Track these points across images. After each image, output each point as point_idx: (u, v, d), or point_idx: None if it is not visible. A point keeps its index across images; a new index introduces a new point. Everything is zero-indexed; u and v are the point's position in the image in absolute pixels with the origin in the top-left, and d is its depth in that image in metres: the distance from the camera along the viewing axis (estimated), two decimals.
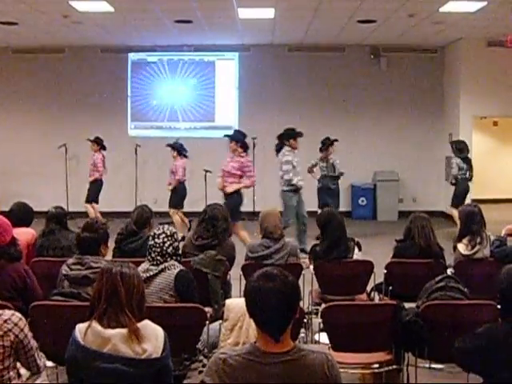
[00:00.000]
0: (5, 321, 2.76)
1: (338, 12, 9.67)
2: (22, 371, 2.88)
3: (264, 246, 5.18)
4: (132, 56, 13.23)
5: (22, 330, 2.79)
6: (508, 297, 2.98)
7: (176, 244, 4.15)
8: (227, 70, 13.30)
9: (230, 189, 8.47)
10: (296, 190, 9.10)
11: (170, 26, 10.82)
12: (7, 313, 2.80)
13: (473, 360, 3.00)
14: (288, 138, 9.20)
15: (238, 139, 8.70)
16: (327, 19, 10.24)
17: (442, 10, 9.24)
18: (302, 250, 8.61)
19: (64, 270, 4.07)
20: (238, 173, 8.47)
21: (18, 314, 2.82)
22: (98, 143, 10.96)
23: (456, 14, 9.55)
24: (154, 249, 4.06)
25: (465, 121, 12.06)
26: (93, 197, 10.99)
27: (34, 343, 2.86)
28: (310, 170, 10.37)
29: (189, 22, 10.46)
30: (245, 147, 8.71)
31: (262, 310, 2.32)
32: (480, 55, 11.88)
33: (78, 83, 13.02)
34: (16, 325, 2.78)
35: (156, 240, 4.08)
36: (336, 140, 10.47)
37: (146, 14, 9.83)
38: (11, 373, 2.77)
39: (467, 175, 10.17)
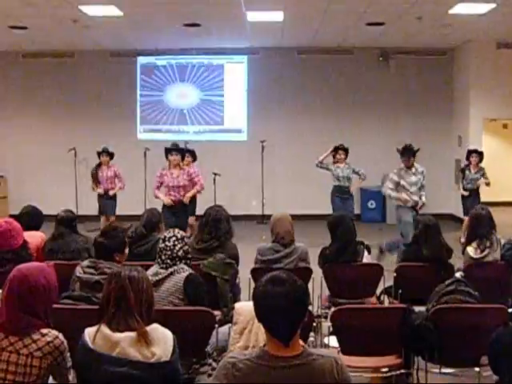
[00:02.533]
0: (47, 343, 2.72)
1: (346, 15, 9.67)
2: (50, 380, 2.87)
3: (274, 250, 5.18)
4: (141, 60, 13.27)
5: (61, 353, 2.75)
6: None
7: (186, 247, 4.16)
8: (236, 73, 13.31)
9: (187, 198, 8.57)
10: (411, 206, 8.41)
11: (179, 30, 10.84)
12: (51, 334, 2.75)
13: (494, 366, 2.99)
14: (401, 155, 8.62)
15: (182, 152, 8.93)
16: (336, 22, 10.23)
17: (450, 12, 9.21)
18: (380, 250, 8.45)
19: (78, 271, 4.04)
20: (188, 183, 8.64)
21: (61, 337, 2.78)
22: (112, 155, 10.75)
23: (465, 16, 9.51)
24: (164, 252, 4.06)
25: (475, 123, 12.02)
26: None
27: (69, 364, 2.84)
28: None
29: (197, 25, 10.48)
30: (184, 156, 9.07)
31: (271, 314, 2.32)
32: (489, 57, 11.83)
33: (87, 87, 13.08)
34: (57, 348, 2.73)
35: (166, 243, 4.09)
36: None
37: (154, 17, 9.86)
38: None
39: None
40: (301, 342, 2.39)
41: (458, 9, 9.03)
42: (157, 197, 8.73)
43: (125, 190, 11.14)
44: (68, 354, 2.81)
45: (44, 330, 2.76)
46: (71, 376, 2.87)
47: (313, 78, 13.05)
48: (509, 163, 15.23)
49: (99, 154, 10.52)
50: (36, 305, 2.77)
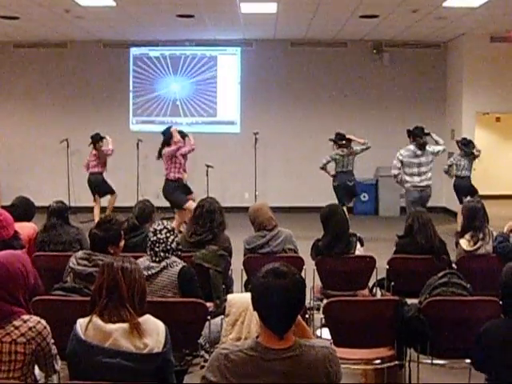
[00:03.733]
0: (30, 328, 2.70)
1: (340, 7, 9.64)
2: (36, 371, 2.85)
3: (260, 236, 5.25)
4: (134, 51, 13.20)
5: (44, 338, 2.74)
6: (508, 294, 2.97)
7: (177, 239, 4.14)
8: (229, 64, 13.26)
9: None
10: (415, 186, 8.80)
11: (172, 21, 10.79)
12: (33, 320, 2.75)
13: (482, 360, 2.98)
14: (413, 136, 9.02)
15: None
16: (330, 14, 10.20)
17: (445, 4, 9.20)
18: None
19: (72, 262, 4.01)
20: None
21: (43, 322, 2.77)
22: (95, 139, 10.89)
23: (459, 9, 9.51)
24: (157, 244, 4.02)
25: (468, 117, 12.03)
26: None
27: (54, 350, 2.82)
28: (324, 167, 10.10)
29: (191, 16, 10.42)
30: None
31: (270, 306, 2.30)
32: (483, 51, 11.83)
33: (79, 78, 13.01)
34: (40, 333, 2.72)
35: (159, 235, 4.04)
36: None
37: (147, 8, 9.80)
38: (28, 379, 2.74)
39: (462, 173, 10.41)
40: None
41: (452, 2, 9.02)
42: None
43: (117, 181, 11.14)
44: (52, 341, 2.80)
45: (25, 316, 2.75)
46: (58, 365, 2.86)
47: (306, 70, 13.02)
48: (501, 157, 15.28)
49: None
50: (16, 292, 2.76)
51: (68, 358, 2.66)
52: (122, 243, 4.20)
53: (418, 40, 12.64)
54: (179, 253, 4.14)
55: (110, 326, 2.60)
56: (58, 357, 2.86)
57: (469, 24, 10.83)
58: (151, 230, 4.15)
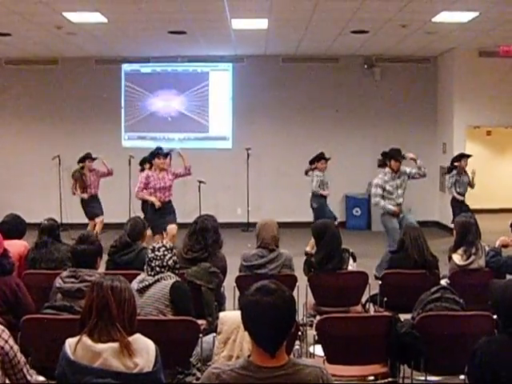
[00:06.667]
0: None
1: (331, 22, 9.69)
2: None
3: (258, 255, 5.18)
4: (125, 67, 13.21)
5: (6, 341, 2.66)
6: (503, 311, 2.96)
7: (175, 258, 4.20)
8: (221, 80, 13.30)
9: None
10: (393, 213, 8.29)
11: (164, 37, 10.81)
12: None
13: (477, 377, 2.96)
14: (390, 158, 8.41)
15: (168, 156, 9.07)
16: (320, 30, 10.25)
17: (434, 20, 9.27)
18: None
19: (58, 282, 4.03)
20: (173, 184, 8.97)
21: (0, 326, 2.73)
22: (94, 159, 10.75)
23: (448, 24, 9.57)
24: (154, 261, 4.09)
25: (458, 131, 12.09)
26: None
27: (21, 358, 2.74)
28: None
29: (183, 32, 10.45)
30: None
31: (260, 324, 2.29)
32: (472, 65, 11.92)
33: (71, 94, 13.00)
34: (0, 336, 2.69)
35: (156, 253, 4.12)
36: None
37: (139, 24, 9.82)
38: None
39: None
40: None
41: (442, 17, 9.08)
42: (142, 198, 8.95)
43: (109, 198, 11.09)
44: (16, 347, 2.72)
45: None
46: (33, 379, 2.78)
47: (298, 85, 13.06)
48: (493, 170, 15.31)
49: (83, 159, 10.54)
50: None
51: (57, 378, 2.61)
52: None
53: (409, 55, 12.72)
54: (176, 271, 4.19)
55: (100, 346, 2.56)
56: (30, 369, 2.78)
57: (458, 39, 10.91)
58: (150, 247, 4.22)
